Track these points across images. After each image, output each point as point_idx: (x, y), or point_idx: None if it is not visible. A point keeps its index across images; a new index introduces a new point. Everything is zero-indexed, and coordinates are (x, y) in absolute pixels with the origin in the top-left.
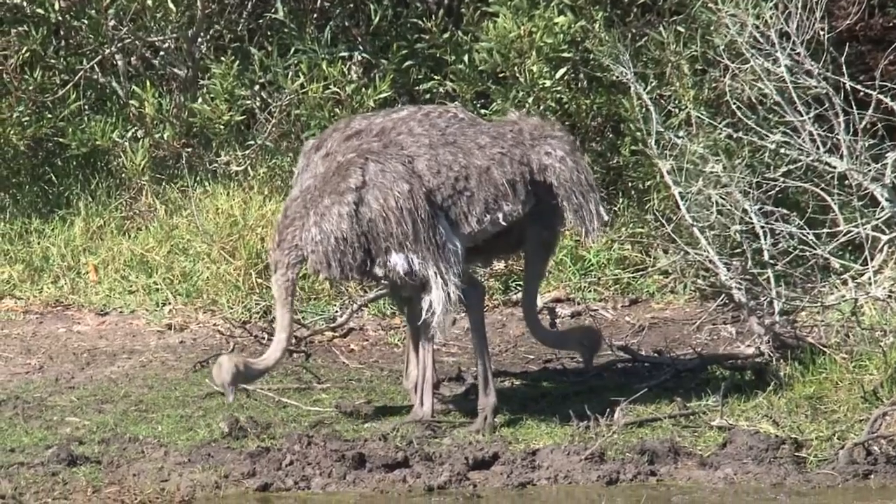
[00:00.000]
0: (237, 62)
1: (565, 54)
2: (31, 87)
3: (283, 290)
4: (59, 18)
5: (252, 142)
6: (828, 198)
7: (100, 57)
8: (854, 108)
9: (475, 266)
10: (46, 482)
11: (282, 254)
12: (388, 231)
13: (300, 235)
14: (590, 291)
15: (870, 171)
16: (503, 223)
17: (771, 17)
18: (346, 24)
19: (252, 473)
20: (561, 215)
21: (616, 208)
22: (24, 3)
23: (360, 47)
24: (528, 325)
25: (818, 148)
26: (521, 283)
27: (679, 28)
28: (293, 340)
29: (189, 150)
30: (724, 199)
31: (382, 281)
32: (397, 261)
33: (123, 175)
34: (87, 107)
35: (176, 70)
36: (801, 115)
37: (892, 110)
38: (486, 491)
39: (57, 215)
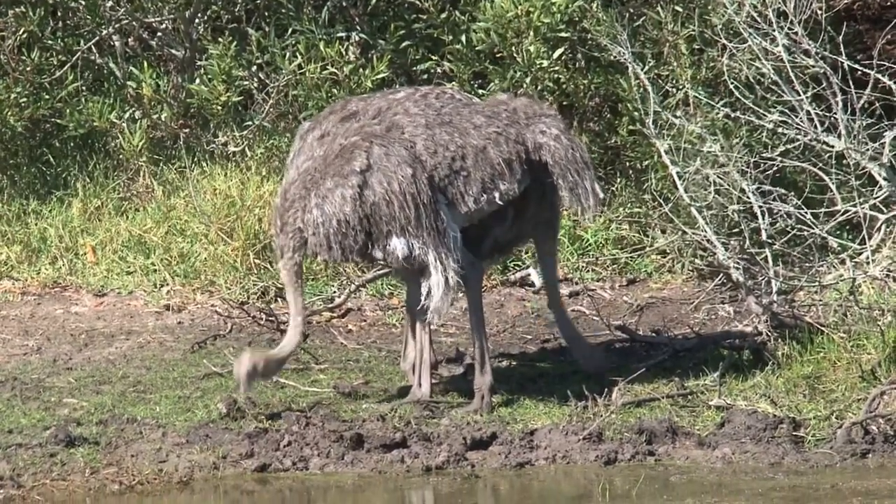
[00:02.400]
0: (235, 43)
1: (563, 34)
2: (28, 68)
3: (292, 273)
4: None
5: (250, 122)
6: (825, 177)
7: (97, 38)
8: (852, 87)
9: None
10: (44, 463)
11: (286, 238)
12: (390, 215)
13: (301, 217)
14: (587, 271)
15: (867, 150)
16: (499, 202)
17: None
18: (344, 4)
19: (250, 454)
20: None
21: (614, 188)
22: None
23: (358, 28)
24: (551, 306)
25: (816, 127)
26: (518, 263)
27: (677, 7)
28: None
29: (187, 130)
30: (721, 178)
31: (380, 263)
32: (397, 245)
33: (121, 156)
34: (84, 88)
35: (173, 51)
36: (799, 95)
37: (889, 89)
38: (484, 471)
39: (54, 196)
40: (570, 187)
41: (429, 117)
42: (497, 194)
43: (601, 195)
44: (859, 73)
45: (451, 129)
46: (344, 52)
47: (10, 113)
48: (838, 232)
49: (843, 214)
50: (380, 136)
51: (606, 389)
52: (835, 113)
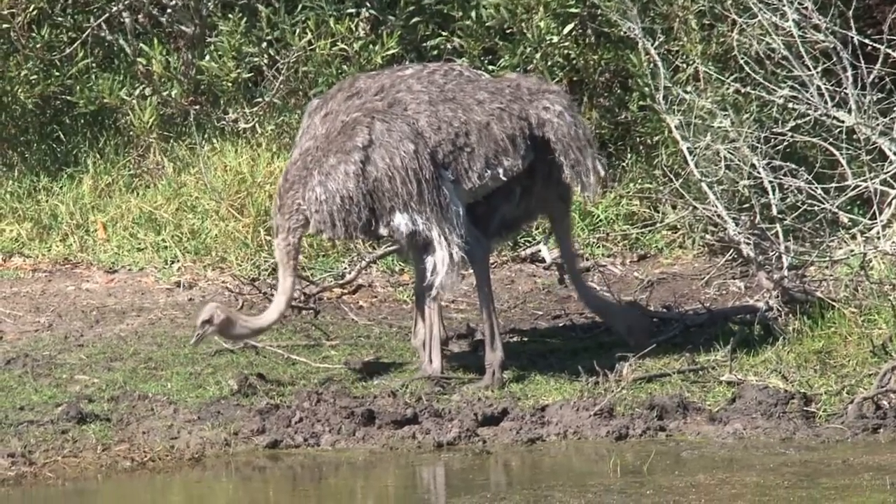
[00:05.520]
0: (244, 19)
1: (573, 10)
2: (38, 45)
3: (285, 254)
4: None
5: (260, 99)
6: (836, 152)
7: (107, 14)
8: (862, 62)
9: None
10: (56, 440)
11: (283, 218)
12: (393, 191)
13: (302, 196)
14: (598, 247)
15: (878, 125)
16: (503, 178)
17: None
18: None
19: (262, 430)
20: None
21: (624, 164)
22: None
23: (368, 3)
24: (573, 284)
25: (826, 102)
26: (529, 239)
27: None
28: (300, 298)
29: (197, 107)
30: (732, 153)
31: (386, 239)
32: (401, 221)
33: (131, 133)
34: (94, 64)
35: (183, 27)
36: (809, 70)
37: None
38: (495, 447)
39: (65, 173)
40: (571, 164)
41: (432, 94)
42: (501, 170)
43: (602, 173)
44: (869, 47)
45: (454, 106)
46: (354, 29)
47: (20, 90)
48: (849, 207)
49: (853, 189)
50: (381, 112)
51: (617, 365)
52: (845, 88)
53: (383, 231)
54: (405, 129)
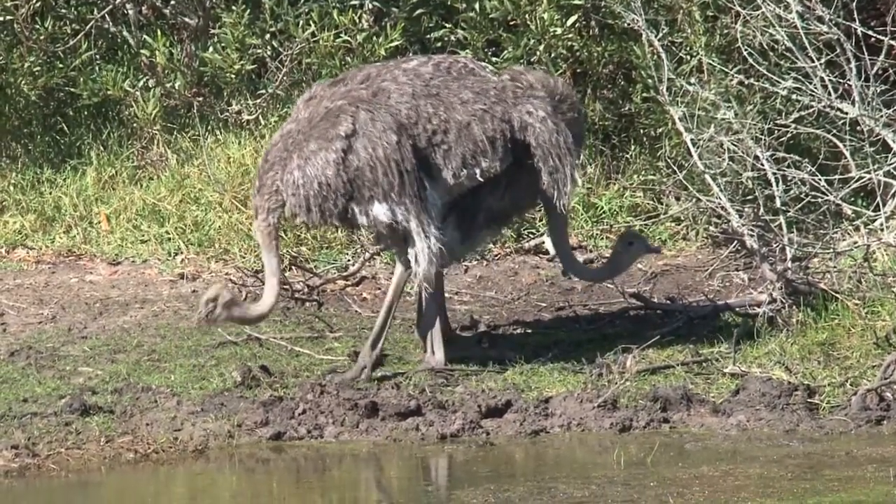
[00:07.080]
0: (248, 11)
1: (576, 1)
2: (42, 37)
3: (266, 235)
4: None
5: (263, 91)
6: (839, 144)
7: (111, 6)
8: (865, 53)
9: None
10: (59, 432)
11: (262, 199)
12: (374, 181)
13: (281, 178)
14: (602, 239)
15: (881, 116)
16: (480, 179)
17: None
18: None
19: (265, 422)
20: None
21: (628, 156)
22: None
23: None
24: (571, 271)
25: (830, 94)
26: (532, 230)
27: None
28: (304, 290)
29: (200, 99)
30: (735, 145)
31: (364, 228)
32: (380, 211)
33: (135, 124)
34: (98, 56)
35: (187, 19)
36: (813, 61)
37: None
38: (499, 438)
39: (69, 165)
40: (549, 171)
41: (416, 87)
42: (478, 170)
43: (579, 182)
44: (873, 39)
45: (436, 102)
46: (357, 20)
47: (24, 82)
48: (852, 199)
49: (857, 181)
50: (366, 101)
51: (621, 357)
52: (848, 79)
53: (361, 220)
54: (388, 120)
